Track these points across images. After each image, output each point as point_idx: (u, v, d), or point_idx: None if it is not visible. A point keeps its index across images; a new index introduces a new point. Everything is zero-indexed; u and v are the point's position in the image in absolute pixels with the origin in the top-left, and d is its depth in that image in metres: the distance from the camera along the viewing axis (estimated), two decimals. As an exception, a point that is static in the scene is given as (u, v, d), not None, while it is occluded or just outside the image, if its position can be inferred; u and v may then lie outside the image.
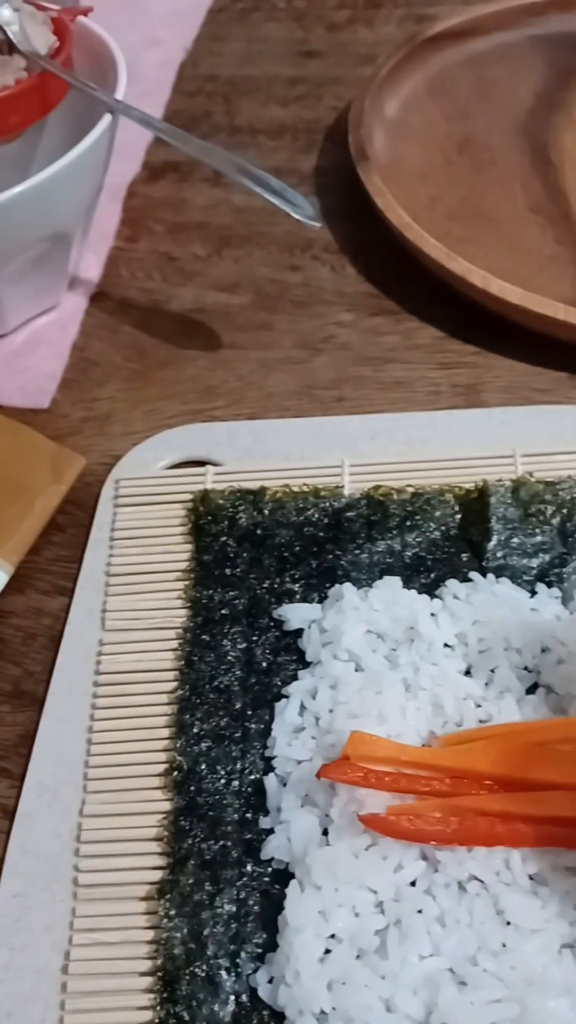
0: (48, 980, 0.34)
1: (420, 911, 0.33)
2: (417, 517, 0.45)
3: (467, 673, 0.39)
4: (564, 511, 0.44)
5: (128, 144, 0.62)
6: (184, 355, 0.55)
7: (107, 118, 0.49)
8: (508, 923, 0.33)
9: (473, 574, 0.42)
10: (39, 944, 0.35)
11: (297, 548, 0.44)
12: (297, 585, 0.43)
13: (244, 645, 0.41)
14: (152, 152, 0.67)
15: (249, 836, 0.36)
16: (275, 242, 0.61)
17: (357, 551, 0.44)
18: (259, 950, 0.34)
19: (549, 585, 0.42)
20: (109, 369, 0.55)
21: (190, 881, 0.35)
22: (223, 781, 0.37)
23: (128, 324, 0.57)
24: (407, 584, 0.42)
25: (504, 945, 0.32)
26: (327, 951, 0.33)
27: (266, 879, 0.35)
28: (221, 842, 0.36)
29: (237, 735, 0.39)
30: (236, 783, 0.37)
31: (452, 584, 0.42)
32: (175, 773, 0.38)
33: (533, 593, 0.42)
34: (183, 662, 0.41)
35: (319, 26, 0.78)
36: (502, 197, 0.60)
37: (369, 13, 0.79)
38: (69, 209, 0.50)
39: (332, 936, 0.33)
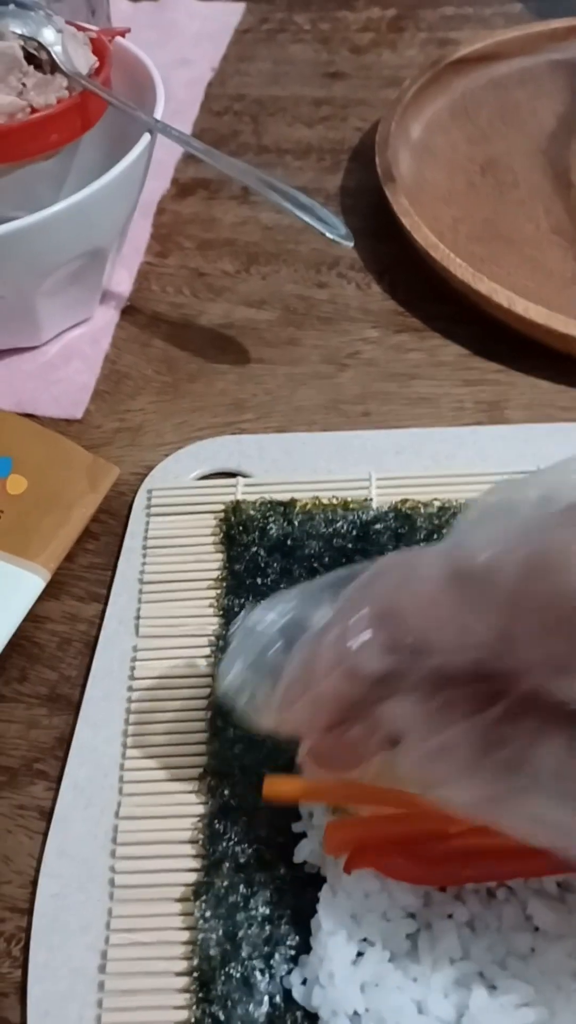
0: (85, 979, 0.35)
1: (450, 915, 0.34)
2: (444, 531, 0.46)
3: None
4: (589, 527, 0.45)
5: (158, 162, 0.63)
6: (214, 369, 0.56)
7: (146, 137, 0.50)
8: (536, 928, 0.34)
9: (499, 587, 0.43)
10: (76, 944, 0.36)
11: (326, 559, 0.45)
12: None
13: (276, 653, 0.42)
14: (181, 170, 0.68)
15: (282, 840, 0.37)
16: (302, 260, 0.62)
17: (385, 563, 0.45)
18: (293, 952, 0.34)
19: (574, 599, 0.43)
20: (140, 382, 0.56)
21: (225, 883, 0.36)
22: (256, 785, 0.38)
23: (159, 338, 0.58)
24: (435, 596, 0.43)
25: (532, 950, 0.33)
26: (359, 954, 0.33)
27: (299, 882, 0.36)
28: (255, 846, 0.37)
29: (269, 739, 0.39)
30: (269, 788, 0.38)
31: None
32: (209, 777, 0.39)
33: (558, 607, 0.43)
34: (216, 668, 0.42)
35: (344, 48, 0.80)
36: (524, 219, 0.62)
37: (393, 36, 0.81)
38: (107, 226, 0.51)
39: (364, 939, 0.34)
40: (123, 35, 0.57)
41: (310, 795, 0.36)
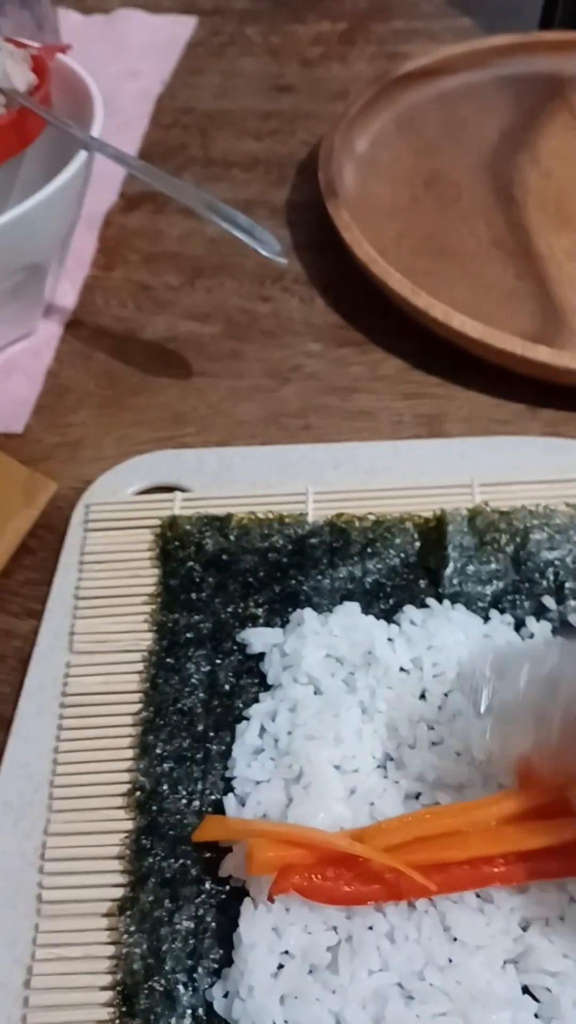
0: (10, 995, 0.35)
1: (371, 927, 0.35)
2: (378, 544, 0.46)
3: (422, 697, 0.41)
4: (517, 540, 0.46)
5: (105, 174, 0.64)
6: (156, 382, 0.57)
7: (82, 155, 0.50)
8: (455, 939, 0.34)
9: (430, 600, 0.44)
10: (3, 959, 0.36)
11: (261, 574, 0.46)
12: (260, 610, 0.44)
13: (208, 668, 0.42)
14: (129, 183, 0.68)
15: (208, 855, 0.37)
16: (246, 273, 0.62)
17: (319, 577, 0.45)
18: (215, 965, 0.35)
19: (502, 611, 0.44)
20: (82, 395, 0.56)
21: (150, 898, 0.36)
22: (184, 801, 0.39)
23: (102, 351, 0.58)
24: (366, 610, 0.44)
25: (450, 960, 0.34)
26: (280, 966, 0.34)
27: (223, 897, 0.36)
28: (181, 860, 0.37)
29: (199, 756, 0.40)
30: (197, 803, 0.39)
31: (409, 610, 0.43)
32: (138, 793, 0.39)
33: (487, 619, 0.43)
34: (148, 684, 0.42)
35: (294, 61, 0.80)
36: (466, 233, 0.62)
37: (342, 49, 0.82)
38: (44, 242, 0.51)
39: (285, 952, 0.34)
40: (64, 51, 0.57)
41: (241, 835, 0.36)
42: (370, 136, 0.69)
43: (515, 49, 0.75)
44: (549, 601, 0.44)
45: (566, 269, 0.60)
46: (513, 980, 0.34)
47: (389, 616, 0.44)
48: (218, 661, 0.43)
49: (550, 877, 0.35)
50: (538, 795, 0.35)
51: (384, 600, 0.44)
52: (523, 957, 0.34)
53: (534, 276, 0.59)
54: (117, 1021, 0.34)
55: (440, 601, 0.44)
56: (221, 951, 0.35)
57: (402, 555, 0.46)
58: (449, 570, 0.45)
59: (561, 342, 0.55)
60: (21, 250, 0.50)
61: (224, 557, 0.46)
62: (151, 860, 0.37)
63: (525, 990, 0.34)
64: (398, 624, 0.43)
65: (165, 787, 0.39)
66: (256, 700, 0.41)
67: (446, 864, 0.35)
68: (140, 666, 0.43)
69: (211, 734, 0.40)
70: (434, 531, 0.46)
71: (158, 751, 0.40)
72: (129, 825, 0.38)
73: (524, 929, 0.35)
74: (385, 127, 0.70)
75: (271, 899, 0.34)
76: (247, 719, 0.40)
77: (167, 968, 0.35)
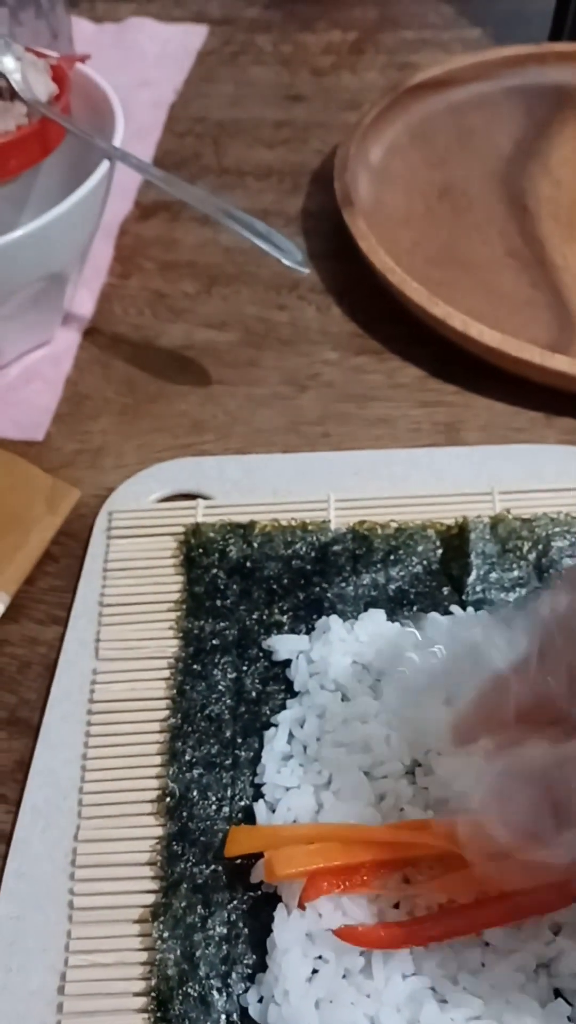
0: (44, 1001, 0.35)
1: (403, 932, 0.35)
2: (400, 552, 0.47)
3: (447, 703, 0.41)
4: (540, 547, 0.46)
5: (120, 184, 0.64)
6: (174, 390, 0.57)
7: (105, 164, 0.51)
8: (487, 943, 0.35)
9: (454, 607, 0.44)
10: (35, 965, 0.36)
11: (285, 581, 0.46)
12: (285, 617, 0.45)
13: (234, 675, 0.43)
14: (143, 192, 0.69)
15: (239, 861, 0.37)
16: (262, 282, 0.63)
17: (343, 584, 0.46)
18: (249, 971, 0.35)
19: (525, 618, 0.44)
20: (101, 403, 0.56)
21: (183, 904, 0.36)
22: (214, 807, 0.39)
23: (120, 359, 0.59)
24: (390, 617, 0.44)
25: (483, 965, 0.34)
26: (314, 971, 0.34)
27: (256, 902, 0.36)
28: (212, 867, 0.37)
29: (227, 762, 0.40)
30: (227, 809, 0.39)
31: (434, 617, 0.44)
32: (167, 799, 0.39)
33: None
34: (175, 691, 0.42)
35: (305, 71, 0.81)
36: (480, 243, 0.63)
37: (353, 59, 0.82)
38: (67, 251, 0.52)
39: (319, 957, 0.34)
40: (83, 61, 0.57)
41: (271, 843, 0.36)
42: (383, 146, 0.70)
43: (525, 60, 0.76)
44: (572, 608, 0.44)
45: (580, 278, 0.60)
46: (545, 984, 0.34)
47: (413, 623, 0.44)
48: (244, 668, 0.43)
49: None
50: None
51: (408, 607, 0.45)
52: (555, 961, 0.34)
53: (549, 285, 0.60)
54: (152, 1026, 0.34)
55: (463, 608, 0.44)
56: (255, 956, 0.35)
57: (425, 562, 0.46)
58: (472, 577, 0.45)
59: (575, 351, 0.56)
60: (44, 259, 0.50)
61: (248, 564, 0.46)
62: (183, 866, 0.37)
63: (557, 993, 0.34)
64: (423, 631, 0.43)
65: (195, 793, 0.39)
66: (283, 707, 0.41)
67: (480, 901, 0.35)
68: (166, 672, 0.43)
69: (239, 740, 0.41)
70: (456, 538, 0.47)
71: (187, 757, 0.40)
72: (159, 831, 0.39)
73: (555, 933, 0.35)
74: (398, 137, 0.71)
75: (301, 907, 0.35)
76: (275, 725, 0.41)
77: (201, 974, 0.35)
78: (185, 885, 0.37)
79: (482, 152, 0.70)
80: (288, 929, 0.35)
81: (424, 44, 0.84)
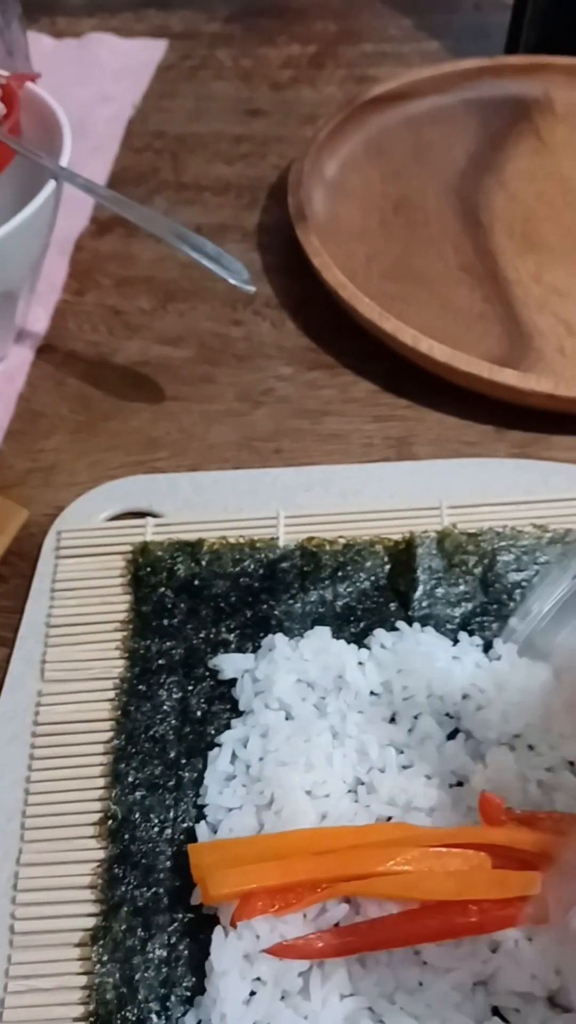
0: (-17, 1028, 0.35)
1: (342, 952, 0.35)
2: (348, 568, 0.47)
3: (392, 720, 0.41)
4: (485, 562, 0.46)
5: (76, 199, 0.64)
6: (129, 407, 0.57)
7: (51, 184, 0.51)
8: (424, 962, 0.35)
9: (400, 623, 0.44)
10: (-26, 993, 0.36)
11: (233, 599, 0.46)
12: (232, 635, 0.45)
13: (180, 695, 0.43)
14: (100, 207, 0.69)
15: (180, 883, 0.37)
16: (218, 297, 0.63)
17: (291, 601, 0.46)
18: (188, 993, 0.35)
19: (471, 633, 0.44)
20: (55, 420, 0.56)
21: (123, 927, 0.36)
22: (156, 829, 0.39)
23: (74, 376, 0.58)
24: (337, 633, 0.44)
25: (420, 983, 0.34)
26: (252, 993, 0.34)
27: (195, 924, 0.36)
28: (153, 889, 0.37)
29: (171, 784, 0.40)
30: (169, 831, 0.39)
31: (379, 633, 0.44)
32: (110, 822, 0.39)
33: (456, 641, 0.44)
34: (120, 712, 0.42)
35: (264, 85, 0.81)
36: (434, 257, 0.63)
37: (312, 73, 0.83)
38: (15, 270, 0.52)
39: (257, 979, 0.34)
40: (34, 80, 0.57)
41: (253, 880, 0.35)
42: (339, 160, 0.70)
43: (482, 73, 0.77)
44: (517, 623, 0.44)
45: (532, 292, 0.61)
46: (483, 1002, 0.34)
47: (360, 639, 0.44)
48: (190, 688, 0.43)
49: (520, 924, 0.35)
50: (500, 836, 0.35)
51: (355, 624, 0.45)
52: (492, 979, 0.34)
53: (501, 299, 0.60)
54: (90, 1052, 0.34)
55: (410, 624, 0.44)
56: (194, 979, 0.35)
57: (372, 578, 0.46)
58: (418, 593, 0.45)
59: (527, 364, 0.56)
60: (-9, 279, 0.50)
61: (196, 583, 0.46)
62: (123, 889, 0.37)
63: (495, 1011, 0.34)
64: (368, 648, 0.43)
65: (137, 815, 0.39)
66: (228, 726, 0.42)
67: (416, 913, 0.35)
68: (112, 694, 0.43)
69: (183, 761, 0.41)
70: (404, 554, 0.47)
71: (130, 779, 0.40)
72: (101, 854, 0.38)
73: (493, 951, 0.35)
74: (354, 151, 0.71)
75: (233, 925, 0.35)
76: (219, 746, 0.41)
77: (140, 997, 0.35)
78: (125, 908, 0.37)
79: (438, 165, 0.70)
80: (226, 951, 0.35)
81: (384, 57, 0.84)
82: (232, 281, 0.50)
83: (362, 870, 0.35)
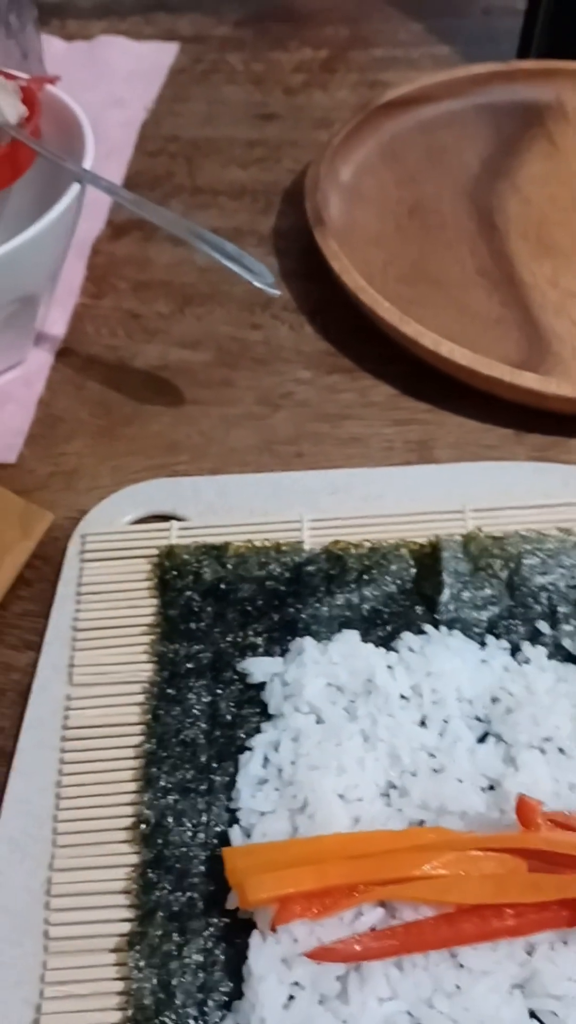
0: (19, 1034, 0.35)
1: (379, 956, 0.35)
2: (374, 571, 0.47)
3: (422, 724, 0.41)
4: (511, 565, 0.47)
5: (92, 203, 0.64)
6: (148, 411, 0.57)
7: (75, 187, 0.51)
8: (461, 966, 0.35)
9: (427, 627, 0.44)
10: (11, 999, 0.36)
11: (260, 602, 0.46)
12: (260, 639, 0.45)
13: (209, 698, 0.43)
14: (115, 211, 0.69)
15: (214, 887, 0.37)
16: (236, 301, 0.63)
17: (317, 604, 0.46)
18: (226, 998, 0.35)
19: (498, 637, 0.44)
20: (75, 424, 0.56)
21: (158, 932, 0.36)
22: (189, 834, 0.39)
23: (94, 380, 0.58)
24: (364, 637, 0.44)
25: (458, 987, 0.34)
26: (291, 997, 0.34)
27: (231, 929, 0.36)
28: (188, 894, 0.37)
29: (203, 787, 0.40)
30: (202, 835, 0.39)
31: (407, 637, 0.44)
32: (143, 826, 0.39)
33: (483, 645, 0.44)
34: (149, 716, 0.42)
35: (277, 89, 0.81)
36: (451, 261, 0.64)
37: (324, 77, 0.83)
38: (38, 273, 0.52)
39: (295, 983, 0.34)
40: (53, 83, 0.57)
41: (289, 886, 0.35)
42: (354, 165, 0.70)
43: (494, 78, 0.77)
44: (543, 626, 0.45)
45: (549, 296, 0.61)
46: (520, 1005, 0.34)
47: (387, 643, 0.44)
48: (219, 691, 0.43)
49: (557, 927, 0.35)
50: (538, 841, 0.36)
51: (381, 627, 0.45)
52: (529, 982, 0.35)
53: (518, 303, 0.61)
54: (128, 1057, 0.34)
55: (437, 627, 0.45)
56: (231, 984, 0.35)
57: (398, 582, 0.47)
58: (445, 596, 0.46)
59: (546, 368, 0.56)
60: (15, 282, 0.50)
61: (222, 586, 0.46)
62: (158, 894, 0.37)
63: (532, 1014, 0.34)
64: (396, 651, 0.43)
65: (170, 820, 0.39)
66: (258, 730, 0.42)
67: (453, 916, 0.35)
68: (141, 697, 0.43)
69: (214, 765, 0.41)
70: (429, 557, 0.47)
71: (162, 783, 0.40)
72: (135, 859, 0.38)
73: (529, 954, 0.35)
74: (369, 156, 0.71)
75: (274, 929, 0.35)
76: (250, 749, 0.41)
77: (178, 1003, 0.35)
78: (161, 913, 0.37)
79: (452, 170, 0.71)
80: (264, 956, 0.35)
81: (394, 62, 0.85)
82: (257, 284, 0.50)
83: (398, 874, 0.35)
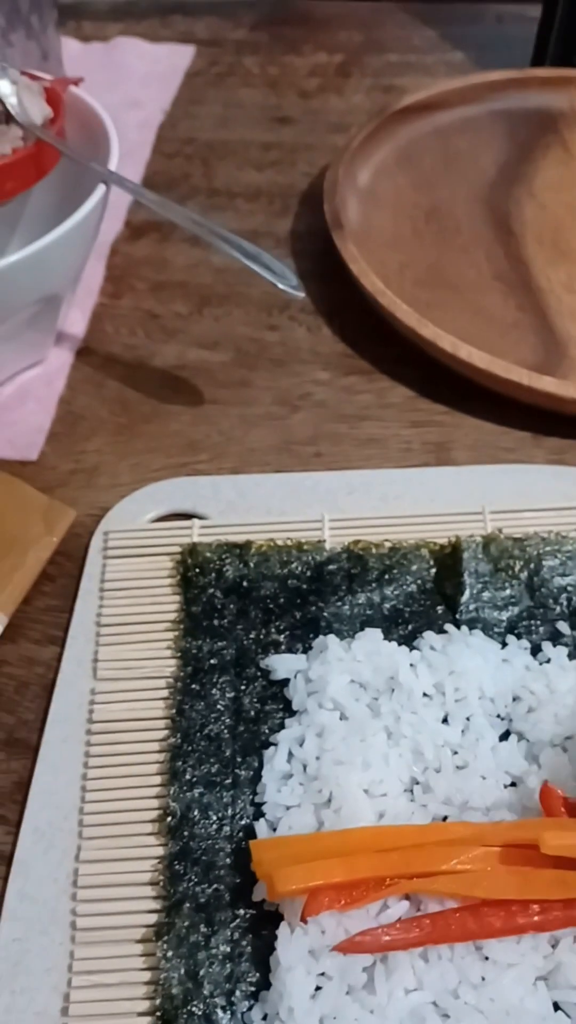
0: (48, 1022, 0.35)
1: (404, 948, 0.35)
2: (395, 571, 0.47)
3: (444, 721, 0.42)
4: (531, 566, 0.47)
5: (111, 203, 0.64)
6: (168, 410, 0.57)
7: (101, 188, 0.51)
8: (486, 958, 0.35)
9: (448, 626, 0.45)
10: (39, 987, 0.36)
11: (282, 600, 0.46)
12: (282, 636, 0.45)
13: (232, 694, 0.43)
14: (133, 212, 0.69)
15: (240, 879, 0.38)
16: (253, 302, 0.64)
17: (339, 603, 0.46)
18: (253, 988, 0.36)
19: (518, 637, 0.45)
20: (95, 423, 0.57)
21: (186, 923, 0.37)
22: (215, 826, 0.39)
23: (113, 379, 0.59)
24: (386, 635, 0.45)
25: (483, 978, 0.35)
26: (318, 988, 0.35)
27: (258, 920, 0.37)
28: (214, 885, 0.38)
29: (228, 781, 0.41)
30: (228, 828, 0.39)
31: (429, 636, 0.44)
32: (169, 819, 0.39)
33: (504, 644, 0.45)
34: (174, 711, 0.43)
35: (292, 93, 0.82)
36: (467, 265, 0.64)
37: (339, 82, 0.83)
38: (62, 273, 0.52)
39: (322, 974, 0.35)
40: (77, 84, 0.58)
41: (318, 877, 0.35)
42: (371, 169, 0.71)
43: (509, 84, 0.78)
44: (563, 626, 0.45)
45: (565, 301, 0.61)
46: (544, 997, 0.35)
47: (408, 642, 0.45)
48: (242, 687, 0.43)
49: None
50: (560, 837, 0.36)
51: (403, 626, 0.45)
52: (553, 974, 0.35)
53: (534, 308, 0.61)
54: (157, 1046, 0.34)
55: (458, 627, 0.45)
56: (258, 974, 0.36)
57: (419, 581, 0.47)
58: (465, 596, 0.46)
59: (563, 372, 0.57)
60: (40, 282, 0.50)
61: (245, 584, 0.47)
62: (185, 885, 0.38)
63: (557, 1006, 0.35)
64: (419, 650, 0.44)
65: (195, 812, 0.40)
66: (282, 726, 0.42)
67: (479, 909, 0.35)
68: (165, 692, 0.44)
69: (239, 759, 0.41)
70: (449, 557, 0.48)
71: (187, 777, 0.41)
72: (161, 851, 0.39)
73: (553, 947, 0.36)
74: (385, 160, 0.72)
75: (304, 920, 0.35)
76: (274, 744, 0.41)
77: (205, 992, 0.35)
78: (188, 904, 0.37)
79: (467, 175, 0.71)
80: (291, 947, 0.35)
81: (408, 67, 0.85)
82: (280, 286, 0.50)
83: (425, 868, 0.36)
